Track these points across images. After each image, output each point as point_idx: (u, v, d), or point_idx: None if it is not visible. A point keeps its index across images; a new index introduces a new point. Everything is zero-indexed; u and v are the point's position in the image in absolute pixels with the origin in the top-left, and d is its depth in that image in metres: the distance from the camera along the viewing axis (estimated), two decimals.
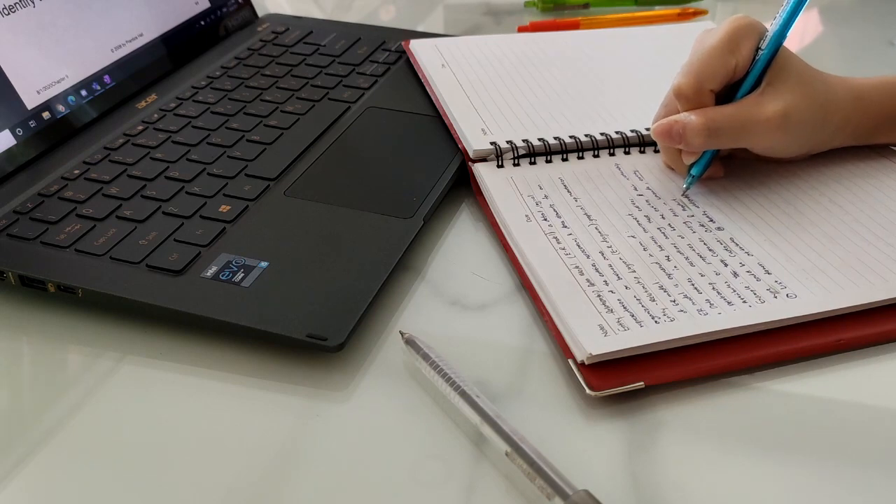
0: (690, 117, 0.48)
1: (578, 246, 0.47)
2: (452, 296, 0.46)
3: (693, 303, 0.42)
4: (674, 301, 0.42)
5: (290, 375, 0.41)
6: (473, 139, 0.55)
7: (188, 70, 0.67)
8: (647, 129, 0.56)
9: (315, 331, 0.40)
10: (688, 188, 0.51)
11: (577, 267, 0.45)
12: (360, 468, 0.36)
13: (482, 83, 0.62)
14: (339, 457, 0.37)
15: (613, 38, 0.71)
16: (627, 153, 0.55)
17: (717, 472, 0.36)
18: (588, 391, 0.38)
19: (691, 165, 0.51)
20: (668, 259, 0.46)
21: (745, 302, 0.42)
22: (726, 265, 0.45)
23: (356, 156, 0.56)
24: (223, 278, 0.44)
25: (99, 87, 0.60)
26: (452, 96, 0.60)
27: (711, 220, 0.49)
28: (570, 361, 0.40)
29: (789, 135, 0.49)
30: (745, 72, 0.49)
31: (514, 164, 0.54)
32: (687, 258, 0.46)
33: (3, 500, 0.35)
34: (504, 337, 0.43)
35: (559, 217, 0.49)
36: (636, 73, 0.64)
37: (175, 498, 0.35)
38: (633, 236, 0.48)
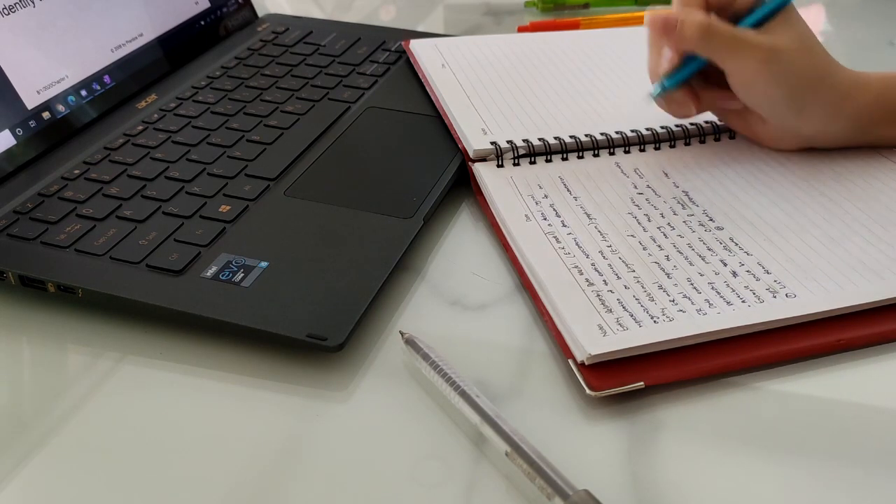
0: (693, 12, 0.49)
1: (578, 245, 0.47)
2: (452, 296, 0.46)
3: (692, 303, 0.42)
4: (673, 301, 0.42)
5: (290, 375, 0.41)
6: (473, 139, 0.55)
7: (188, 70, 0.67)
8: (648, 129, 0.56)
9: (315, 331, 0.40)
10: (655, 96, 0.52)
11: (576, 267, 0.45)
12: (360, 468, 0.36)
13: (482, 83, 0.62)
14: (339, 457, 0.37)
15: (613, 38, 0.71)
16: (627, 152, 0.55)
17: (716, 472, 0.36)
18: (588, 391, 0.38)
19: (665, 75, 0.51)
20: (668, 259, 0.46)
21: (744, 302, 0.42)
22: (726, 265, 0.45)
23: (356, 156, 0.56)
24: (223, 278, 0.44)
25: (99, 87, 0.60)
26: (452, 96, 0.60)
27: (711, 220, 0.49)
28: (570, 361, 0.40)
29: (774, 75, 0.49)
30: (748, 10, 0.50)
31: (514, 164, 0.54)
32: (686, 258, 0.46)
33: (3, 500, 0.35)
34: (504, 337, 0.43)
35: (559, 216, 0.49)
36: (636, 73, 0.64)
37: (175, 498, 0.35)
38: (632, 235, 0.48)
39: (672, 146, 0.56)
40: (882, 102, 0.52)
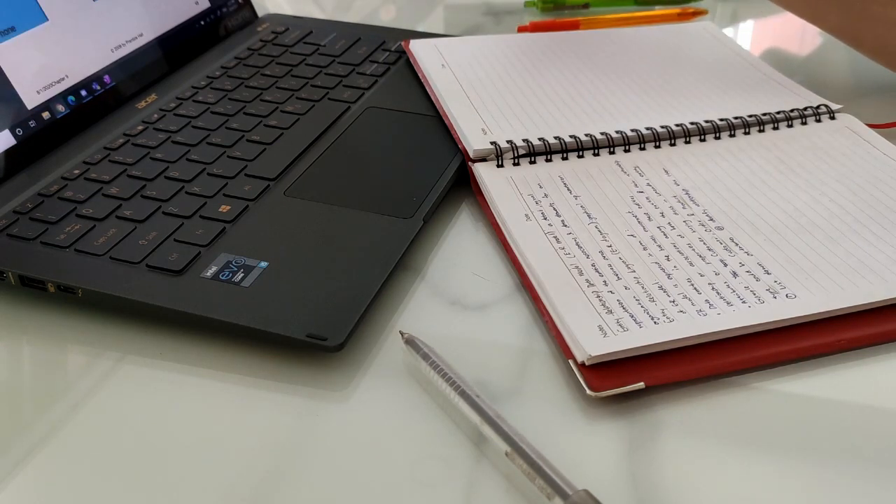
0: None
1: (578, 245, 0.47)
2: (452, 296, 0.46)
3: (692, 303, 0.42)
4: (673, 301, 0.42)
5: (290, 375, 0.41)
6: (473, 139, 0.55)
7: (188, 70, 0.67)
8: (648, 128, 0.56)
9: (315, 331, 0.40)
10: None
11: (576, 267, 0.45)
12: (361, 468, 0.36)
13: (482, 83, 0.62)
14: (339, 457, 0.37)
15: (613, 38, 0.71)
16: (628, 151, 0.55)
17: (716, 471, 0.36)
18: (588, 392, 0.38)
19: None
20: (668, 259, 0.46)
21: (744, 302, 0.42)
22: (726, 265, 0.45)
23: (356, 156, 0.56)
24: (223, 278, 0.44)
25: (99, 87, 0.60)
26: (452, 96, 0.60)
27: (711, 219, 0.49)
28: (571, 362, 0.40)
29: None
30: None
31: (514, 164, 0.54)
32: (686, 258, 0.46)
33: (3, 500, 0.35)
34: (504, 337, 0.43)
35: (559, 216, 0.49)
36: (636, 73, 0.64)
37: (175, 498, 0.35)
38: (632, 235, 0.48)
39: (672, 144, 0.56)
40: None
